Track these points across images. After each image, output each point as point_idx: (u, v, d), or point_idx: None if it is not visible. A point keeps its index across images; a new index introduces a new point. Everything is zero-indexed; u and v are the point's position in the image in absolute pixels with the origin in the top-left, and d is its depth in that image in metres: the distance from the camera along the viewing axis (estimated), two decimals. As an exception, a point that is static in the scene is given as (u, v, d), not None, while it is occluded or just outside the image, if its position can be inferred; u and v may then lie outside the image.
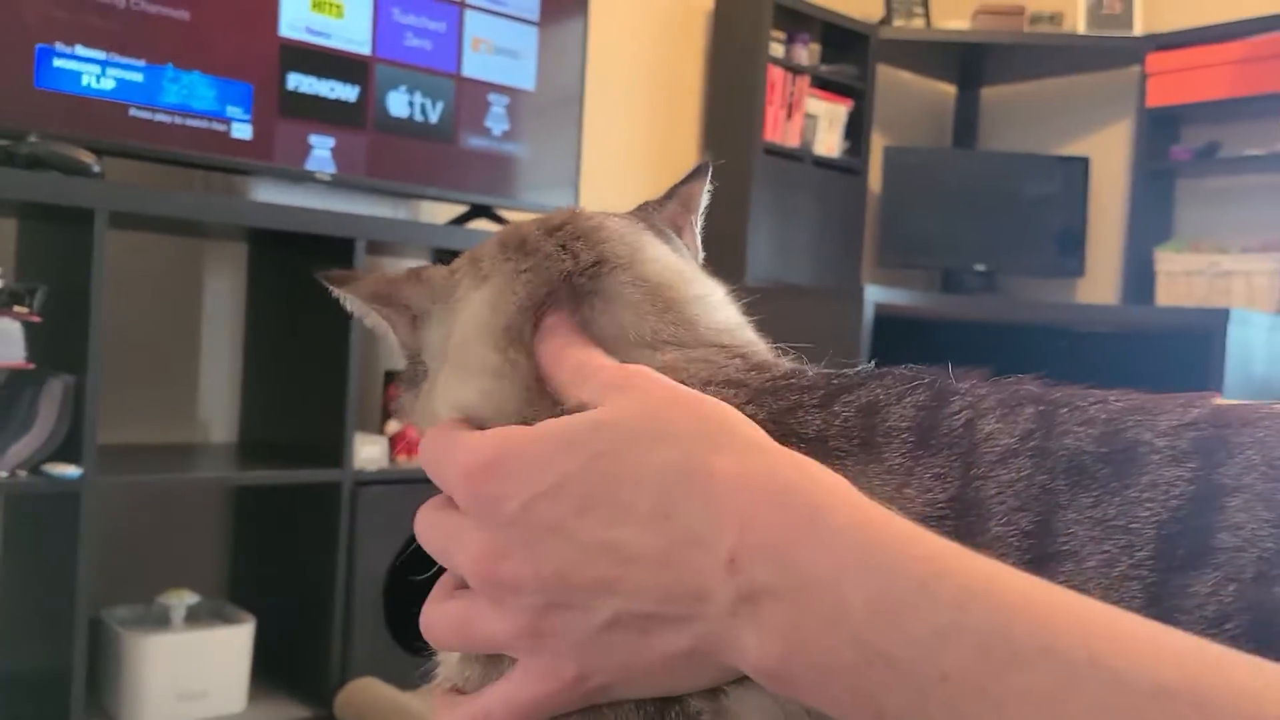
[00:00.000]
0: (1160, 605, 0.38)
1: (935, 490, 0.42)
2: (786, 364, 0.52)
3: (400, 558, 2.34)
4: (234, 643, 2.27)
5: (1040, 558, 0.40)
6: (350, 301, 0.57)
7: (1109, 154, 4.01)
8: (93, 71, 2.15)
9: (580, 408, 0.45)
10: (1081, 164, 4.02)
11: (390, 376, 2.65)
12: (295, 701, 2.34)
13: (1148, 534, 0.39)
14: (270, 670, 2.36)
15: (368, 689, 2.21)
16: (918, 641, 0.35)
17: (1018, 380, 0.46)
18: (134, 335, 2.43)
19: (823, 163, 3.77)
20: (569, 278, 0.52)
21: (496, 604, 0.44)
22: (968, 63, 4.20)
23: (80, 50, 2.13)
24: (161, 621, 2.25)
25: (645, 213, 0.60)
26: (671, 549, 0.40)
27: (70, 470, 1.97)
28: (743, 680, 0.41)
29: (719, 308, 0.55)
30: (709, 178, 0.64)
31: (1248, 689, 0.32)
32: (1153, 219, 3.81)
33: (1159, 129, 3.76)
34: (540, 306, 0.51)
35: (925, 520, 0.41)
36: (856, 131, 3.87)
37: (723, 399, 0.45)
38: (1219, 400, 0.43)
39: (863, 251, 3.96)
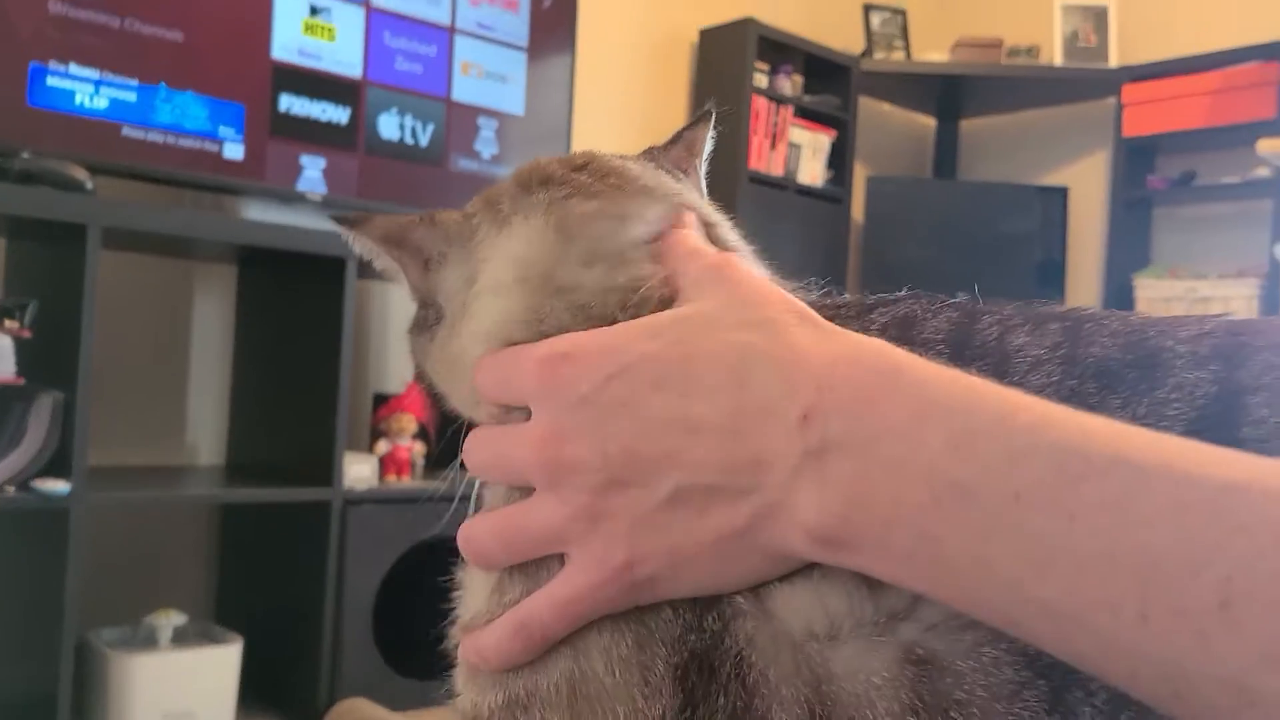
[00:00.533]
0: None
1: None
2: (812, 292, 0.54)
3: (395, 568, 2.33)
4: (222, 663, 2.25)
5: None
6: (360, 242, 0.56)
7: (1087, 183, 4.07)
8: (86, 90, 2.16)
9: (664, 302, 0.47)
10: (1060, 193, 4.08)
11: (380, 399, 2.65)
12: (283, 723, 2.32)
13: (1177, 430, 0.41)
14: (259, 691, 2.34)
15: (357, 709, 2.19)
16: (993, 465, 0.36)
17: (1041, 303, 0.48)
18: (123, 357, 2.43)
19: (806, 191, 3.82)
20: None
21: (554, 488, 0.44)
22: (947, 94, 4.27)
23: (74, 69, 2.14)
24: (148, 642, 2.22)
25: (652, 155, 0.61)
26: (742, 416, 0.41)
27: (59, 486, 1.96)
28: (785, 580, 0.42)
29: (730, 237, 0.56)
30: (713, 122, 0.65)
31: None
32: (1131, 246, 3.87)
33: (1135, 158, 3.83)
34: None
35: None
36: (839, 161, 3.92)
37: None
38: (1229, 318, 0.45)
39: (847, 279, 3.99)
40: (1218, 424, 0.41)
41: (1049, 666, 0.38)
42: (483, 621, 0.49)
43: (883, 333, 0.46)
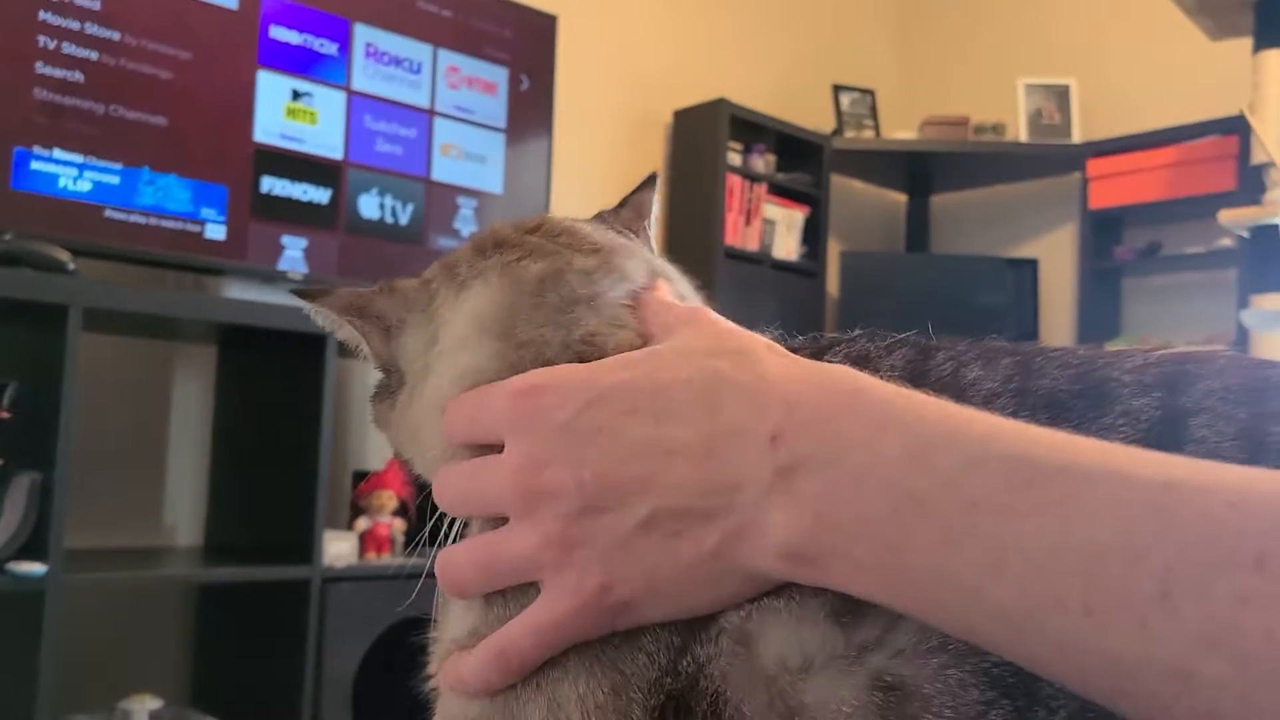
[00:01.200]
0: None
1: None
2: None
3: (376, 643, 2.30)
4: (198, 749, 2.21)
5: None
6: (322, 315, 0.58)
7: (1056, 255, 4.15)
8: (69, 174, 2.19)
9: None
10: (1031, 265, 4.16)
11: (360, 476, 2.65)
12: (260, 810, 2.27)
13: None
14: (235, 777, 2.29)
15: (336, 794, 2.15)
16: (947, 474, 0.38)
17: (990, 339, 0.50)
18: (101, 438, 2.42)
19: (782, 266, 3.87)
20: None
21: (528, 516, 0.45)
22: (916, 171, 4.36)
23: (58, 153, 2.17)
24: (123, 728, 2.18)
25: (603, 218, 0.64)
26: (715, 439, 0.43)
27: (35, 568, 1.94)
28: (760, 613, 0.43)
29: (686, 290, 0.58)
30: (656, 186, 0.68)
31: (1244, 477, 0.35)
32: (1101, 316, 3.93)
33: (1102, 230, 3.91)
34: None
35: None
36: (813, 236, 3.99)
37: None
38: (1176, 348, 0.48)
39: (823, 352, 4.03)
40: (1160, 445, 0.42)
41: (1013, 687, 0.39)
42: (462, 647, 0.50)
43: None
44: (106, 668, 2.40)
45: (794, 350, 0.50)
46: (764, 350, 0.46)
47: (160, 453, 2.60)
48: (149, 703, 2.21)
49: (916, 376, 0.47)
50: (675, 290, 0.56)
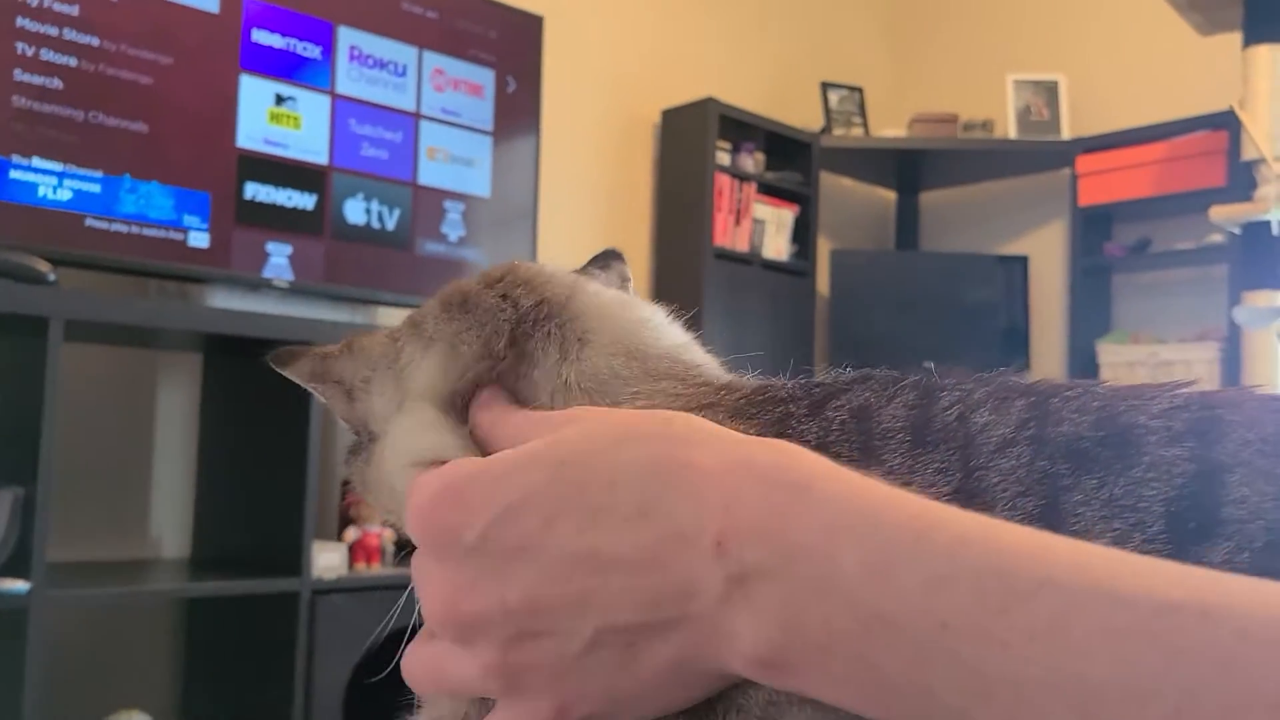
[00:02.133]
0: None
1: (938, 485, 0.42)
2: (751, 380, 0.52)
3: (366, 656, 2.27)
4: (187, 765, 2.18)
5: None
6: (293, 378, 0.57)
7: (1046, 252, 4.14)
8: (49, 183, 2.15)
9: None
10: (1021, 262, 4.15)
11: (349, 485, 2.62)
12: (251, 826, 2.24)
13: (1157, 510, 0.40)
14: (225, 793, 2.27)
15: (328, 808, 2.12)
16: (913, 594, 0.34)
17: (1000, 374, 0.47)
18: (84, 450, 2.39)
19: (772, 265, 3.85)
20: (514, 328, 0.52)
21: (464, 645, 0.42)
22: (905, 169, 4.35)
23: (37, 162, 2.14)
24: (110, 745, 2.15)
25: (590, 274, 0.62)
26: (654, 546, 0.38)
27: (18, 585, 1.91)
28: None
29: (664, 329, 0.55)
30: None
31: (1248, 596, 0.32)
32: (1092, 313, 3.92)
33: (1092, 227, 3.90)
34: (479, 377, 0.51)
35: None
36: (803, 235, 3.97)
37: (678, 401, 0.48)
38: (1201, 387, 0.45)
39: (814, 351, 4.02)
40: (1198, 504, 0.40)
41: None
42: None
43: (841, 430, 0.45)
44: (93, 684, 2.36)
45: (788, 400, 0.47)
46: (682, 431, 0.41)
47: (145, 463, 2.57)
48: (137, 718, 2.18)
49: (921, 426, 0.44)
50: (658, 325, 0.55)
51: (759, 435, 0.43)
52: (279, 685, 2.24)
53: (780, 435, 0.44)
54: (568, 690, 0.40)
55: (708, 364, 0.54)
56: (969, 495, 0.41)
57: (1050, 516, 0.41)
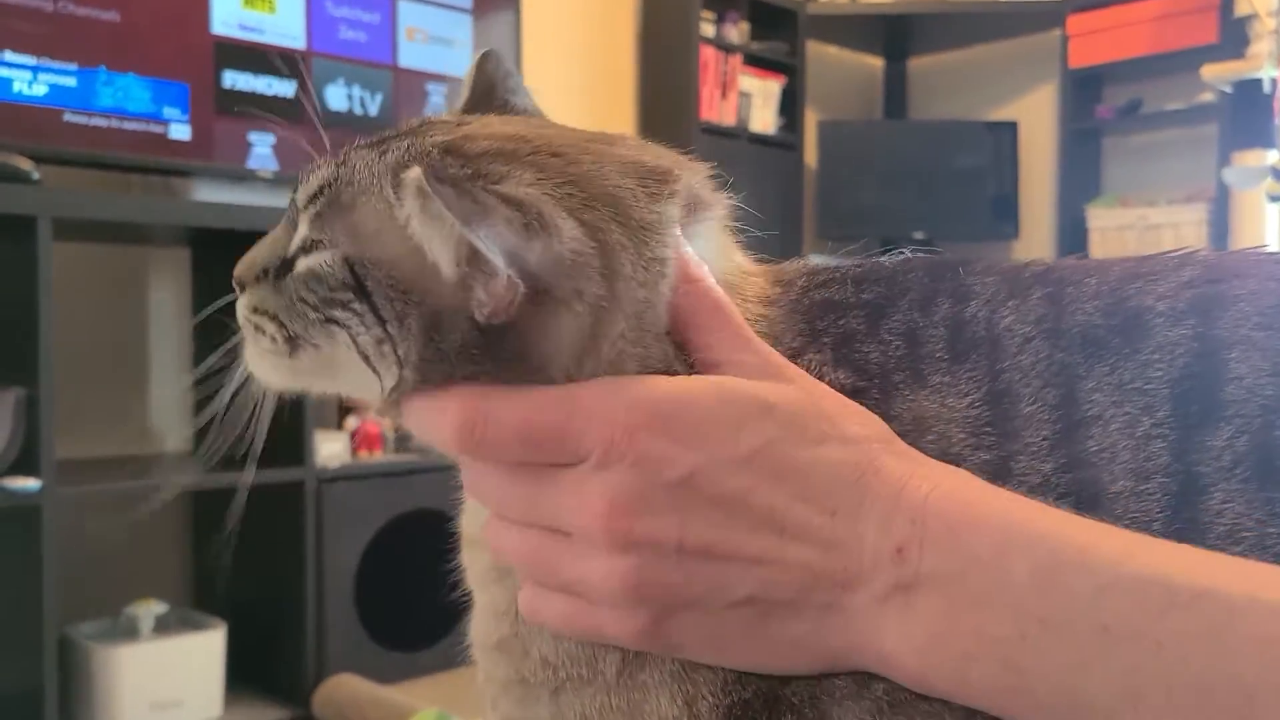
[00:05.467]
0: (1183, 460, 0.41)
1: (971, 392, 0.45)
2: (790, 266, 0.53)
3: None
4: (206, 649, 2.24)
5: (1069, 425, 0.43)
6: None
7: (1036, 117, 4.10)
8: (23, 77, 2.10)
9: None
10: (1010, 128, 4.11)
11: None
12: (273, 703, 2.32)
13: (1163, 393, 0.42)
14: (245, 674, 2.34)
15: (345, 685, 2.20)
16: (1079, 599, 0.37)
17: (1021, 266, 0.49)
18: (79, 348, 2.38)
19: (759, 139, 3.81)
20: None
21: (607, 553, 0.41)
22: (893, 34, 4.26)
23: (9, 56, 2.08)
24: (130, 633, 2.21)
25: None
26: (840, 535, 0.40)
27: (29, 483, 1.93)
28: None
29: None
30: (497, 62, 0.59)
31: None
32: (1081, 178, 3.91)
33: (1082, 89, 3.85)
34: None
35: (968, 419, 0.44)
36: (790, 107, 3.91)
37: (767, 323, 0.48)
38: (1209, 252, 0.46)
39: (803, 225, 4.00)
40: (1201, 385, 0.42)
41: None
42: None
43: (899, 359, 0.46)
44: (108, 576, 2.41)
45: (846, 310, 0.48)
46: (879, 436, 0.43)
47: (141, 360, 2.57)
48: (154, 607, 2.24)
49: (954, 340, 0.46)
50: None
51: (830, 359, 0.46)
52: (291, 571, 2.29)
53: (850, 358, 0.46)
54: (676, 623, 0.42)
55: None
56: (997, 394, 0.44)
57: (1068, 405, 0.43)
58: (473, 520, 0.53)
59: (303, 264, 0.48)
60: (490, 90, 0.57)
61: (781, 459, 0.41)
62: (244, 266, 0.52)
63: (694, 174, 0.50)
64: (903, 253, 0.51)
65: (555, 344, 0.43)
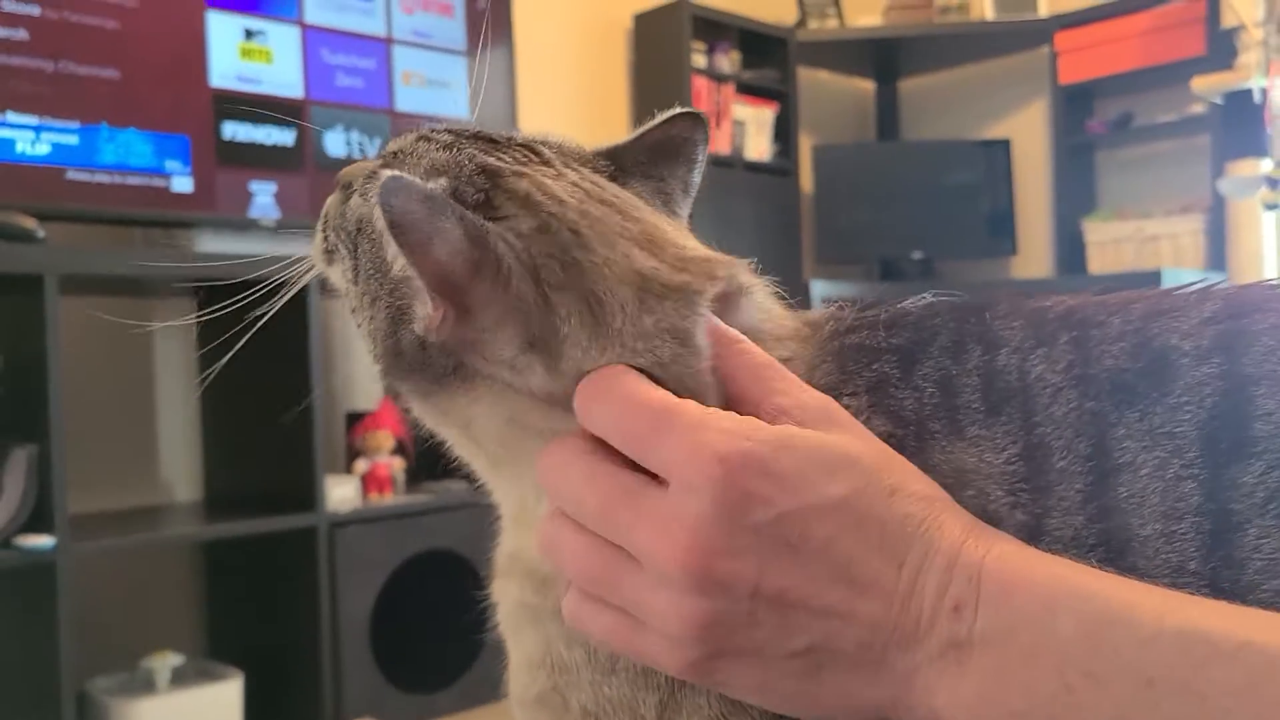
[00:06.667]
0: (1215, 498, 0.42)
1: (1008, 447, 0.45)
2: (817, 312, 0.54)
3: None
4: (224, 700, 2.24)
5: (1101, 475, 0.44)
6: None
7: (1028, 133, 4.12)
8: (26, 137, 2.12)
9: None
10: (1003, 146, 4.13)
11: (353, 417, 2.64)
12: (291, 752, 2.31)
13: (1192, 435, 0.43)
14: (264, 723, 2.33)
15: (364, 730, 2.19)
16: (1125, 652, 0.38)
17: (1043, 303, 0.49)
18: (87, 401, 2.39)
19: (754, 166, 3.83)
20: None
21: (695, 593, 0.41)
22: (883, 58, 4.29)
23: (11, 117, 2.10)
24: (148, 686, 2.20)
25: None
26: (906, 590, 0.41)
27: (43, 541, 1.94)
28: None
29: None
30: (703, 131, 0.62)
31: None
32: (1076, 192, 3.92)
33: (1073, 104, 3.88)
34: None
35: (1005, 475, 0.45)
36: (784, 133, 3.94)
37: (801, 363, 0.49)
38: (1228, 286, 0.47)
39: (802, 249, 4.02)
40: (1230, 423, 0.42)
41: None
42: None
43: (934, 407, 0.47)
44: (124, 629, 2.41)
45: (880, 354, 0.49)
46: (943, 505, 0.43)
47: (149, 410, 2.58)
48: (170, 659, 2.23)
49: (988, 391, 0.47)
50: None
51: (866, 404, 0.47)
52: (305, 617, 2.29)
53: (884, 404, 0.47)
54: (728, 663, 0.42)
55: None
56: (1031, 449, 0.45)
57: (1100, 455, 0.44)
58: (509, 550, 0.53)
59: (355, 199, 0.54)
60: (666, 148, 0.59)
61: (863, 510, 0.42)
62: (346, 171, 0.58)
63: (732, 267, 0.51)
64: (924, 296, 0.52)
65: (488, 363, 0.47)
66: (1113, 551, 0.42)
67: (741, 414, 0.44)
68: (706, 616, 0.41)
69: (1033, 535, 0.43)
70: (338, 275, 0.55)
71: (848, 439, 0.43)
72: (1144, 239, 3.62)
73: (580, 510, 0.44)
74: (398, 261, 0.47)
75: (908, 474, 0.44)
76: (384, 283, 0.49)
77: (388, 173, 0.44)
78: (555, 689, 0.49)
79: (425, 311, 0.46)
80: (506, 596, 0.53)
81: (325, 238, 0.57)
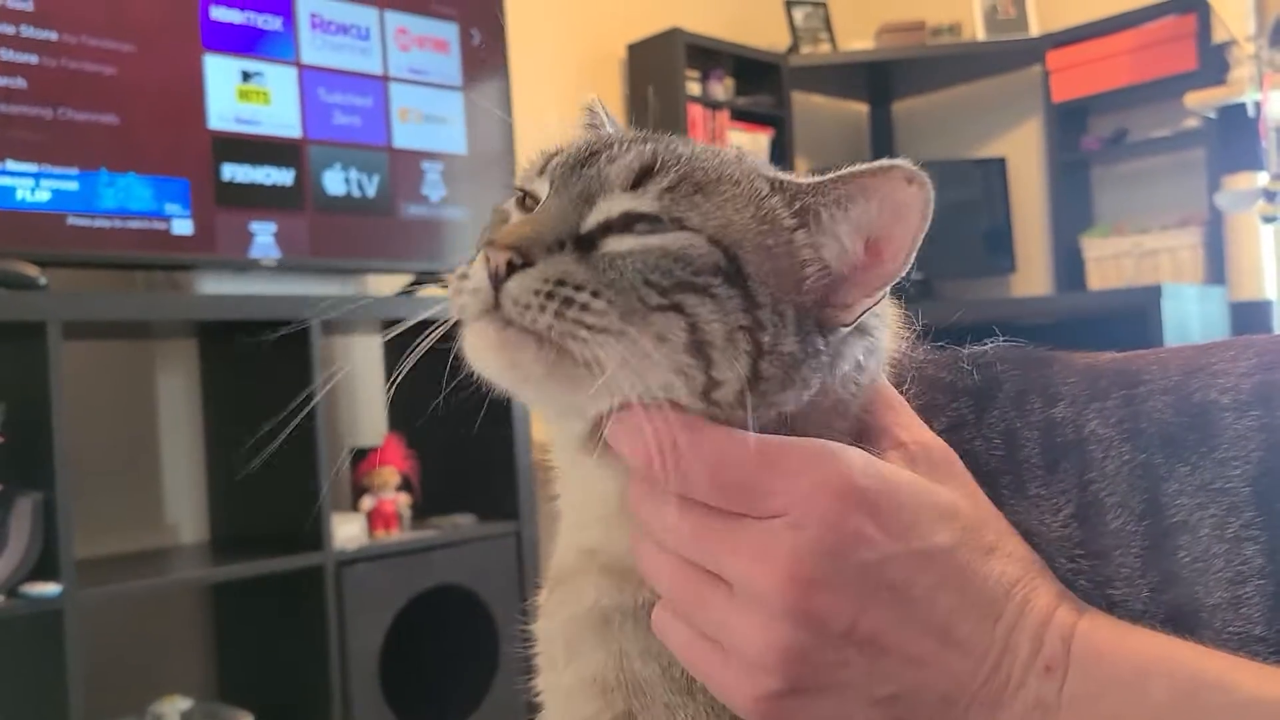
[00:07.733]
0: (1277, 559, 0.42)
1: (1063, 507, 0.46)
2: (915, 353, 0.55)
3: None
4: (234, 742, 2.23)
5: (1158, 535, 0.44)
6: None
7: (1023, 152, 4.13)
8: (26, 185, 2.13)
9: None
10: (999, 164, 4.14)
11: (358, 454, 2.64)
12: (303, 793, 2.30)
13: (1244, 492, 0.43)
14: (274, 765, 2.32)
15: (376, 770, 2.18)
16: (1219, 717, 0.38)
17: (1096, 363, 0.50)
18: (92, 446, 2.39)
19: (752, 192, 3.83)
20: None
21: (791, 622, 0.41)
22: (876, 80, 4.32)
23: (11, 165, 2.11)
24: (157, 731, 2.20)
25: None
26: (997, 649, 0.41)
27: (50, 589, 1.93)
28: None
29: None
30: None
31: None
32: (1073, 208, 3.93)
33: (1067, 122, 3.90)
34: None
35: (1062, 540, 0.45)
36: (780, 158, 3.95)
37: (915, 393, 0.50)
38: (1264, 338, 0.47)
39: (801, 273, 4.02)
40: (1277, 475, 0.43)
41: None
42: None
43: (1001, 461, 0.48)
44: (132, 674, 2.40)
45: (961, 395, 0.50)
46: (1038, 564, 0.44)
47: (153, 454, 2.58)
48: (179, 703, 2.22)
49: (1048, 447, 0.47)
50: None
51: (945, 437, 0.47)
52: (315, 656, 2.28)
53: (958, 444, 0.48)
54: (804, 702, 0.41)
55: None
56: (1085, 508, 0.46)
57: (1155, 513, 0.44)
58: (585, 547, 0.52)
59: (647, 241, 0.46)
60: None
61: (964, 564, 0.42)
62: (527, 240, 0.47)
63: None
64: (985, 343, 0.53)
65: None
66: (1182, 622, 0.42)
67: (864, 440, 0.44)
68: (794, 648, 0.40)
69: (1096, 604, 0.44)
70: (641, 336, 0.44)
71: (949, 492, 0.44)
72: (1143, 254, 3.62)
73: (674, 540, 0.44)
74: (903, 250, 0.50)
75: (1004, 533, 0.44)
76: (787, 288, 0.47)
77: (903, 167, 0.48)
78: (629, 713, 0.47)
79: (858, 296, 0.49)
80: (579, 601, 0.50)
81: (614, 307, 0.45)
